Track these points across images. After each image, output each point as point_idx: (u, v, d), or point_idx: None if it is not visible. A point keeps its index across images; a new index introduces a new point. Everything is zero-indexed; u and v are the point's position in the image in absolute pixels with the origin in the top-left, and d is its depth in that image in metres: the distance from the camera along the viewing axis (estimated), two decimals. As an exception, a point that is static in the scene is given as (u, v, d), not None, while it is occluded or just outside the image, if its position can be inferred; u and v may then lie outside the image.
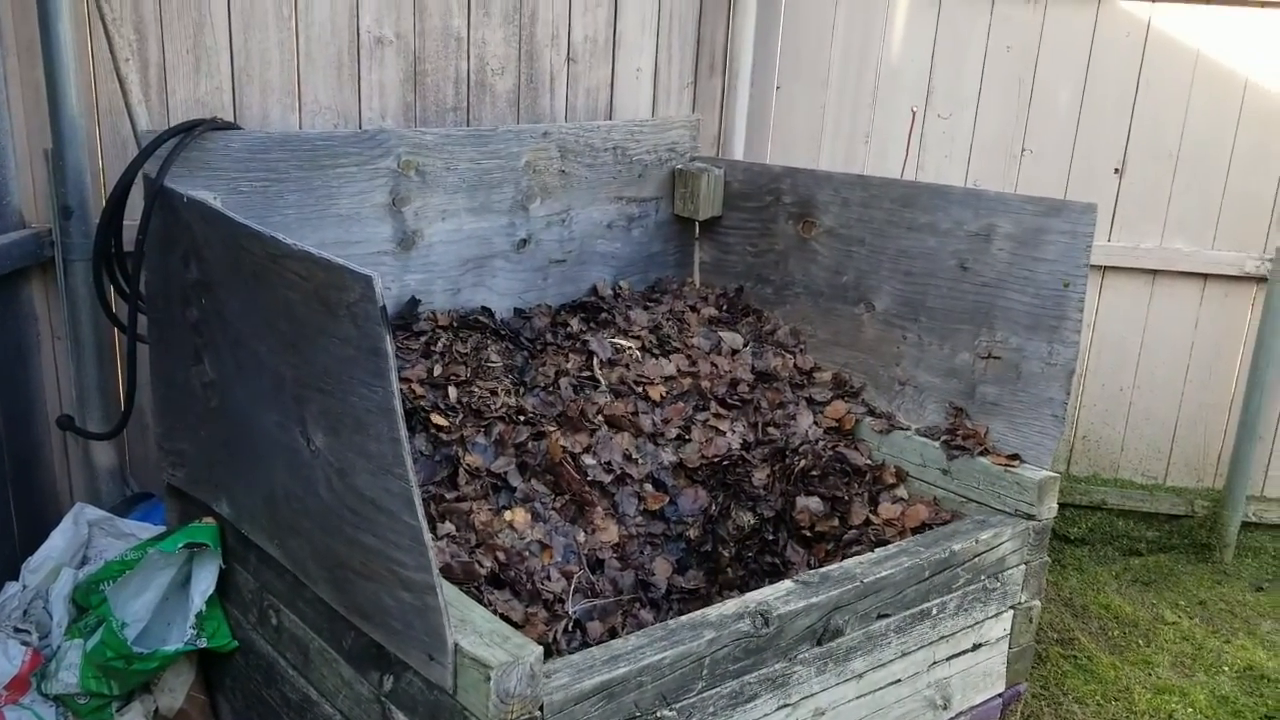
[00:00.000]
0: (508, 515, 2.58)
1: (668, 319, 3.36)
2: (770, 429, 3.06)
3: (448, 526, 2.49)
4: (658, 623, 2.31)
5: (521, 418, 2.81)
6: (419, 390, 2.76)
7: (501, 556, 2.45)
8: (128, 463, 3.11)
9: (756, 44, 4.06)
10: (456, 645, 1.87)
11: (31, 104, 2.81)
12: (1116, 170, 4.11)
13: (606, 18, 3.75)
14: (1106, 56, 4.03)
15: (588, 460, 2.81)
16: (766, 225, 3.48)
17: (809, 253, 3.35)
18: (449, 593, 2.00)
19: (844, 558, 2.61)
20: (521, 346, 3.11)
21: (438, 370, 2.84)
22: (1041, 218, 2.80)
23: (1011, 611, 2.76)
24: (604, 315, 3.33)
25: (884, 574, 2.41)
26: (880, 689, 2.51)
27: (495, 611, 2.21)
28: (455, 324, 3.12)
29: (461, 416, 2.75)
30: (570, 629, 2.41)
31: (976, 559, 2.61)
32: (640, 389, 3.04)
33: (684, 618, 2.19)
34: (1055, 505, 2.76)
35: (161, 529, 2.83)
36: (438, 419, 2.70)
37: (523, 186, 3.30)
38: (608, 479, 2.80)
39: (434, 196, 3.12)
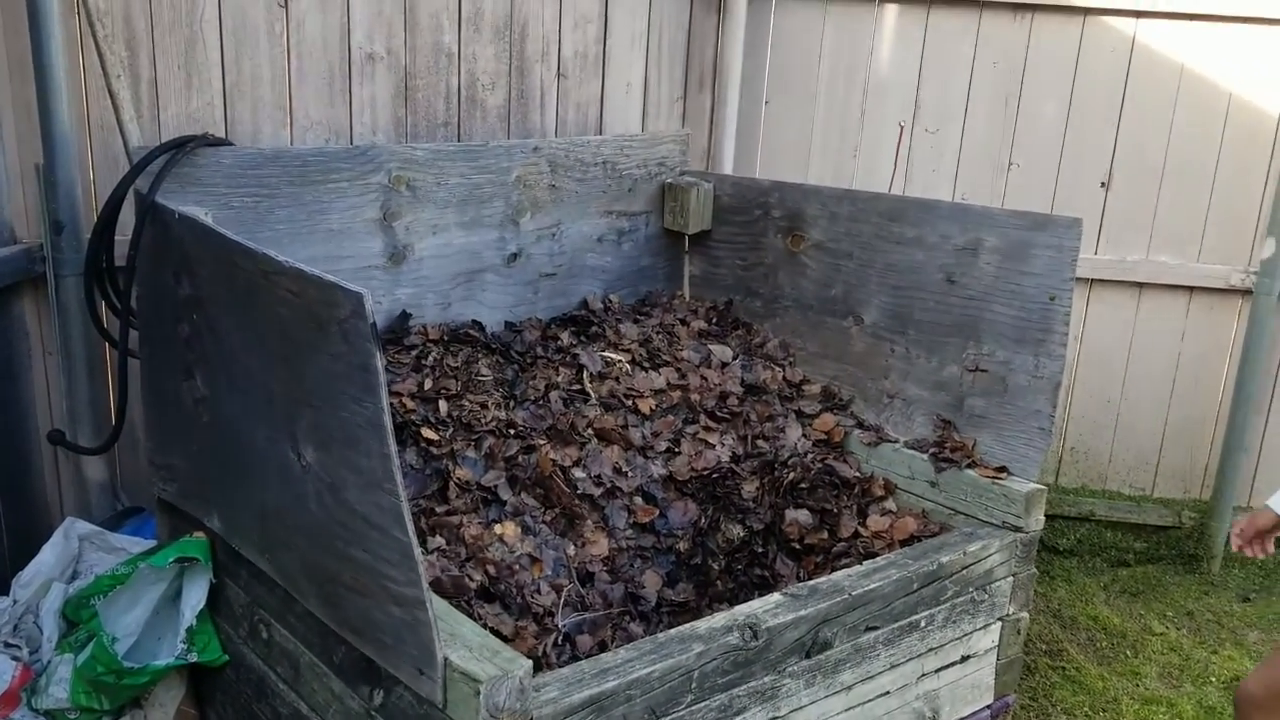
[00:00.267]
0: (498, 529, 2.59)
1: (658, 332, 3.38)
2: (759, 442, 3.08)
3: (438, 540, 2.49)
4: (647, 636, 2.32)
5: (512, 431, 2.83)
6: (410, 404, 2.77)
7: (492, 570, 2.46)
8: (118, 477, 3.12)
9: (745, 59, 4.09)
10: (446, 659, 1.87)
11: (23, 120, 2.83)
12: (1103, 184, 4.15)
13: (596, 34, 3.78)
14: (1092, 71, 4.07)
15: (578, 473, 2.82)
16: (756, 239, 3.50)
17: (798, 266, 3.38)
18: (439, 607, 2.01)
19: (833, 570, 2.62)
20: (512, 360, 3.12)
21: (428, 384, 2.85)
22: (1027, 232, 2.83)
23: (999, 623, 2.78)
24: (594, 329, 3.34)
25: (872, 586, 2.43)
26: (869, 701, 2.52)
27: (485, 625, 2.22)
28: (446, 338, 3.13)
29: (452, 430, 2.76)
30: (560, 642, 2.42)
31: (964, 571, 2.62)
32: (630, 402, 3.05)
33: (673, 631, 2.20)
34: (1042, 517, 2.78)
35: (152, 543, 2.83)
36: (428, 433, 2.71)
37: (513, 201, 3.32)
38: (598, 492, 2.82)
39: (425, 211, 3.14)
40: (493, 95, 3.57)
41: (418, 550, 1.81)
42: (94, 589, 2.63)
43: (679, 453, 2.99)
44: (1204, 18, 3.97)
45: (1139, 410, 4.31)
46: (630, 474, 2.90)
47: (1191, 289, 4.18)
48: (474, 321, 3.26)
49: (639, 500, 2.88)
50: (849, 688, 2.45)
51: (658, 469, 2.94)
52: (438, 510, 2.58)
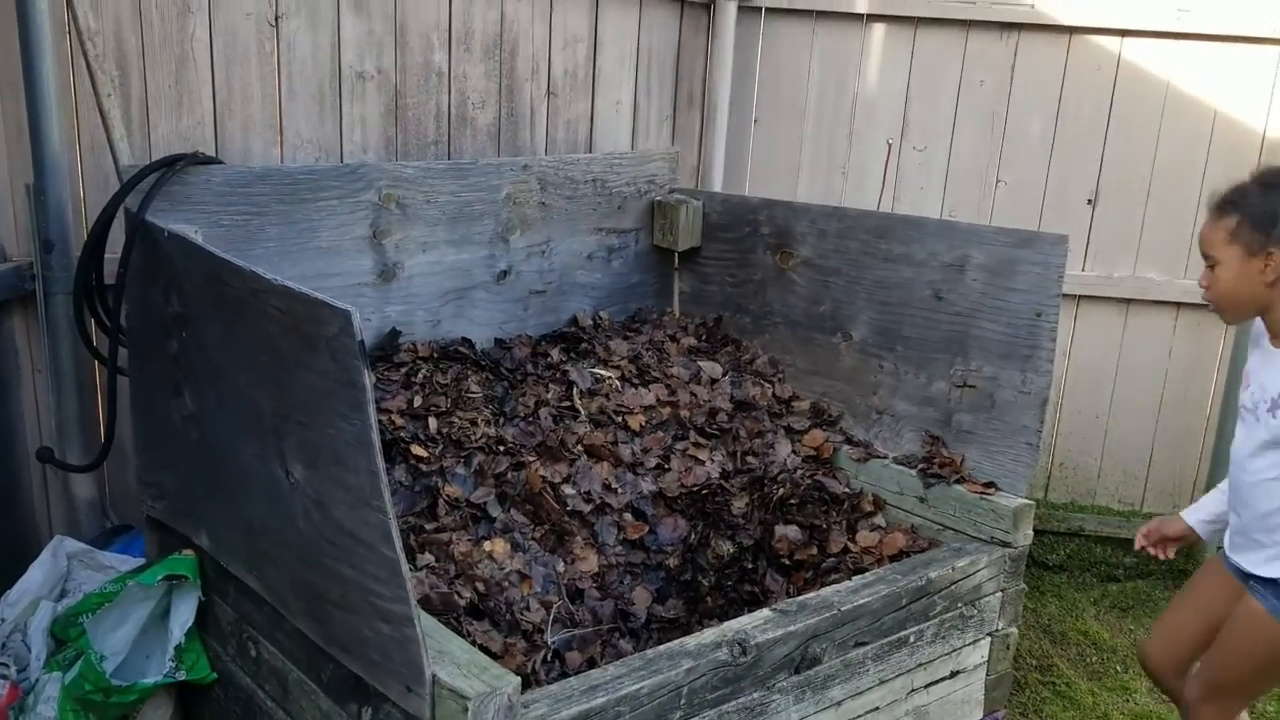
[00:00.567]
0: (487, 545, 2.59)
1: (647, 349, 3.39)
2: (749, 458, 3.08)
3: (427, 557, 2.49)
4: (637, 653, 2.32)
5: (501, 448, 2.83)
6: (399, 421, 2.77)
7: (481, 587, 2.46)
8: (107, 495, 3.11)
9: (734, 78, 4.12)
10: (434, 676, 1.87)
11: (13, 138, 2.83)
12: (1089, 201, 4.18)
13: (586, 53, 3.80)
14: (1078, 89, 4.10)
15: (567, 490, 2.82)
16: (745, 256, 3.52)
17: (787, 283, 3.39)
18: (427, 624, 2.01)
19: (822, 585, 2.63)
20: (502, 377, 3.13)
21: (418, 401, 2.85)
22: (1014, 249, 2.84)
23: (989, 638, 2.78)
24: (584, 345, 3.35)
25: (861, 602, 2.43)
26: (858, 717, 2.52)
27: (474, 642, 2.22)
28: (435, 355, 3.14)
29: (441, 447, 2.76)
30: (549, 659, 2.42)
31: (953, 586, 2.63)
32: (620, 419, 3.06)
33: (662, 647, 2.21)
34: (1031, 532, 2.79)
35: (141, 561, 2.82)
36: (417, 450, 2.71)
37: (503, 218, 3.33)
38: (587, 508, 2.82)
39: (415, 229, 3.15)
40: (483, 114, 3.58)
41: (405, 567, 1.81)
42: (82, 607, 2.62)
43: (669, 469, 3.00)
44: (1189, 37, 4.02)
45: (1127, 426, 4.33)
46: (620, 490, 2.90)
47: (1178, 305, 4.20)
48: (464, 339, 3.27)
49: (629, 517, 2.89)
50: (838, 703, 2.46)
51: (647, 485, 2.95)
52: (427, 527, 2.59)
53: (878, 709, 2.56)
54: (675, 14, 4.09)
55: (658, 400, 3.17)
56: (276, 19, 3.11)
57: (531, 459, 2.84)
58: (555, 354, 3.28)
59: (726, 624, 2.32)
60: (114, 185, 2.73)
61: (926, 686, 2.66)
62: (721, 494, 2.98)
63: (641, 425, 3.07)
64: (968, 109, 4.17)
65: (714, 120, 4.12)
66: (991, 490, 2.82)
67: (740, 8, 4.08)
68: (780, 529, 2.89)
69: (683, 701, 2.13)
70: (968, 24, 4.09)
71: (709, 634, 2.25)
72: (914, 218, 3.15)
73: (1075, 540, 4.29)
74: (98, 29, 2.78)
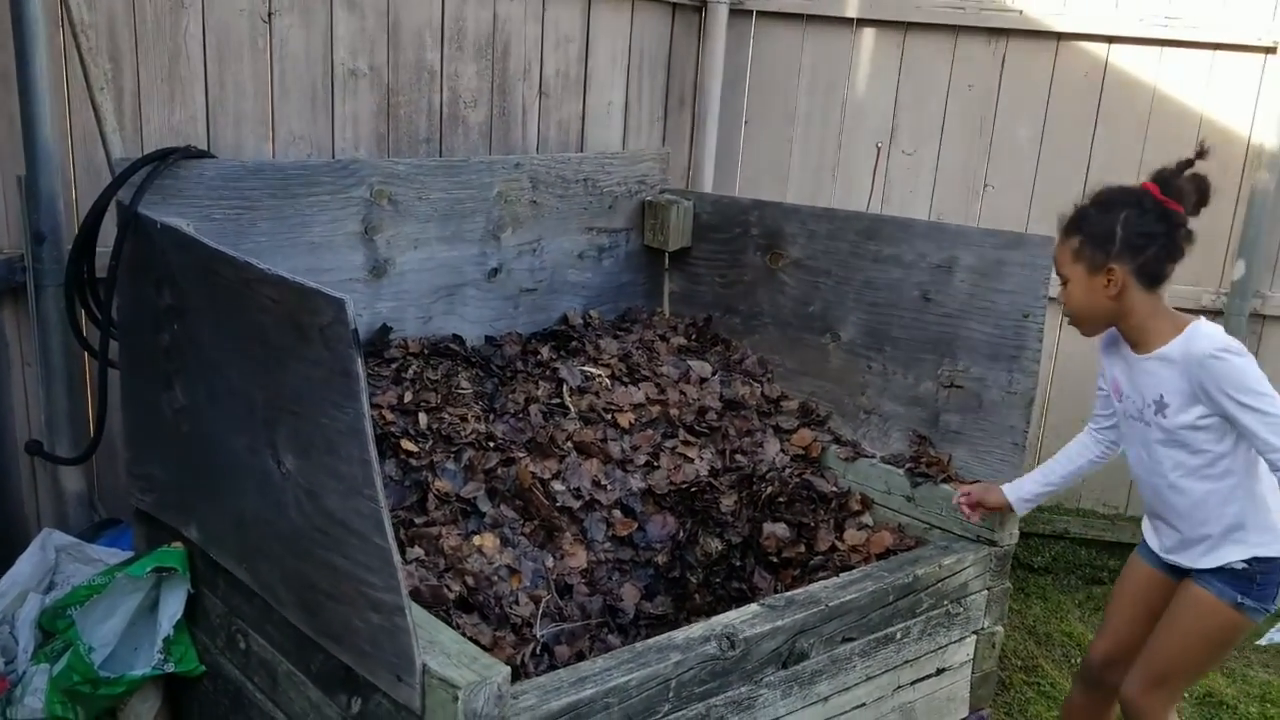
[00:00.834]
0: (477, 540, 2.60)
1: (637, 348, 3.40)
2: (738, 456, 3.10)
3: (417, 551, 2.50)
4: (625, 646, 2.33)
5: (491, 444, 2.84)
6: (389, 416, 2.78)
7: (470, 581, 2.46)
8: (96, 488, 3.10)
9: (725, 80, 4.14)
10: (425, 666, 1.88)
11: (5, 130, 2.83)
12: (1076, 206, 4.19)
13: (578, 54, 3.82)
14: (1065, 94, 4.14)
15: (557, 486, 2.83)
16: (735, 256, 3.53)
17: (776, 283, 3.41)
18: (418, 615, 2.01)
19: (810, 583, 2.64)
20: (492, 374, 3.14)
21: (408, 397, 2.86)
22: (1001, 250, 2.87)
23: (974, 637, 2.80)
24: (574, 344, 3.36)
25: (848, 598, 2.45)
26: (845, 712, 2.53)
27: (464, 634, 2.22)
28: (426, 351, 3.14)
29: (431, 442, 2.77)
30: (538, 652, 2.43)
31: (939, 584, 2.65)
32: (609, 416, 3.07)
33: (651, 640, 2.21)
34: (1016, 532, 2.81)
35: (129, 554, 2.82)
36: (408, 445, 2.72)
37: (494, 216, 3.34)
38: (577, 505, 2.83)
39: (406, 225, 3.16)
40: (475, 112, 3.59)
41: (397, 556, 1.81)
42: (71, 599, 2.62)
43: (658, 466, 3.01)
44: (1175, 44, 4.05)
45: (1113, 429, 4.35)
46: (609, 487, 2.91)
47: (1164, 309, 4.22)
48: (454, 335, 3.28)
49: (618, 513, 2.90)
50: (825, 699, 2.47)
51: (636, 482, 2.96)
52: (417, 521, 2.59)
53: (864, 705, 2.57)
54: (667, 16, 4.11)
55: (647, 398, 3.18)
56: (269, 15, 3.12)
57: (521, 455, 2.84)
58: (545, 352, 3.29)
59: (715, 618, 2.33)
60: (106, 178, 2.73)
61: (913, 683, 2.68)
62: (710, 492, 2.99)
63: (631, 423, 3.08)
64: (956, 113, 4.20)
65: (705, 121, 4.14)
66: (978, 489, 2.84)
67: (731, 10, 4.11)
68: (768, 527, 2.90)
69: (671, 694, 2.14)
70: (956, 29, 4.12)
71: (698, 628, 2.26)
72: (903, 219, 3.17)
73: (1060, 543, 4.32)
74: (91, 22, 2.79)
